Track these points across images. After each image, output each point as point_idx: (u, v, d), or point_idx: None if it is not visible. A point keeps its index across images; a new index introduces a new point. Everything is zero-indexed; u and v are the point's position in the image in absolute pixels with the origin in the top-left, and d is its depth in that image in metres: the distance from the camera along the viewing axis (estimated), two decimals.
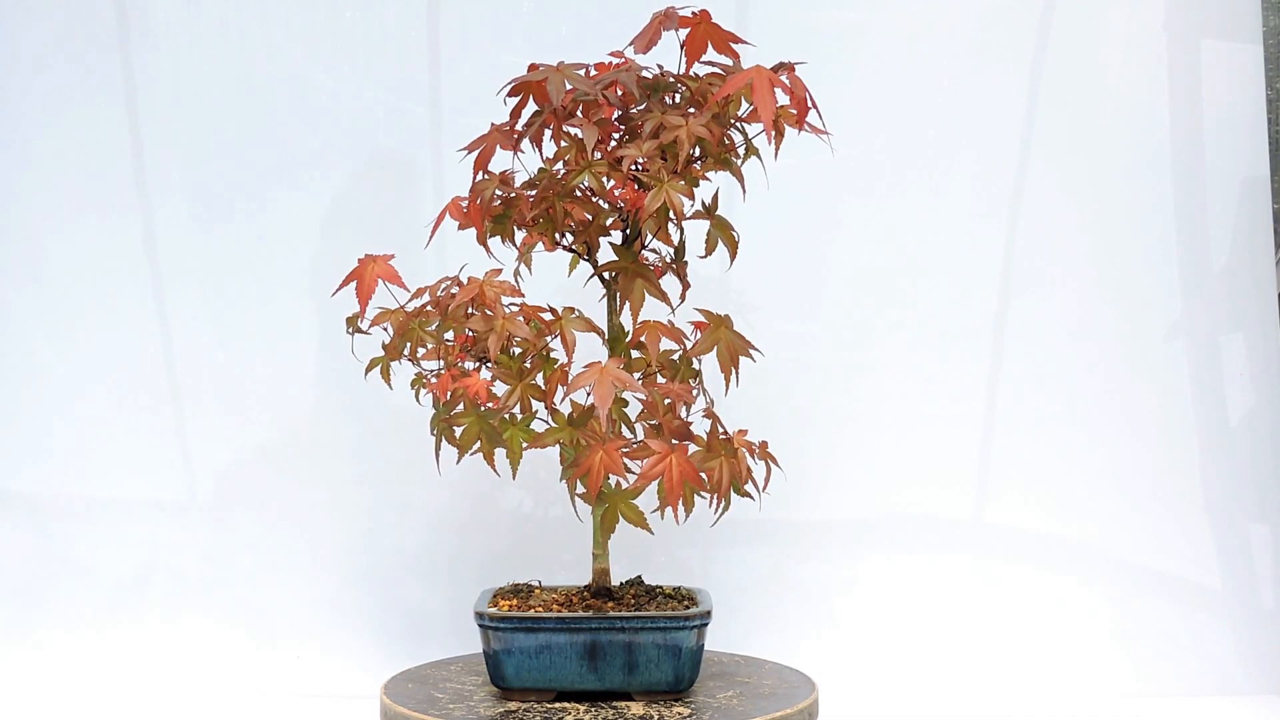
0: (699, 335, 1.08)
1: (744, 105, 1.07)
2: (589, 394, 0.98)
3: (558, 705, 1.04)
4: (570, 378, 1.01)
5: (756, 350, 1.09)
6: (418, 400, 1.10)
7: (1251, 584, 1.49)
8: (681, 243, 1.12)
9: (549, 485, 1.47)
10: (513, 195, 1.08)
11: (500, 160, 1.12)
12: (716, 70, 1.08)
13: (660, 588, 1.14)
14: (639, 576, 1.17)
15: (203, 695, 1.45)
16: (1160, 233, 1.51)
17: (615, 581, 1.15)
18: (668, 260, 1.12)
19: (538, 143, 1.08)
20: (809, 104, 1.04)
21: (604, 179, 1.03)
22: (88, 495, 1.51)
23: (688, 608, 1.06)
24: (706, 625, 1.04)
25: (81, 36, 1.52)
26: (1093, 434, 1.50)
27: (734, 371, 1.08)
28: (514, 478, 1.06)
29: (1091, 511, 1.49)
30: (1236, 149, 1.50)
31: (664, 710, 1.02)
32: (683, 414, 1.06)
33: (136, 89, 1.52)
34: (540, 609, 1.06)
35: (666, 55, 1.09)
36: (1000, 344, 1.51)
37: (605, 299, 1.12)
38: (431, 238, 1.15)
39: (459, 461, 1.06)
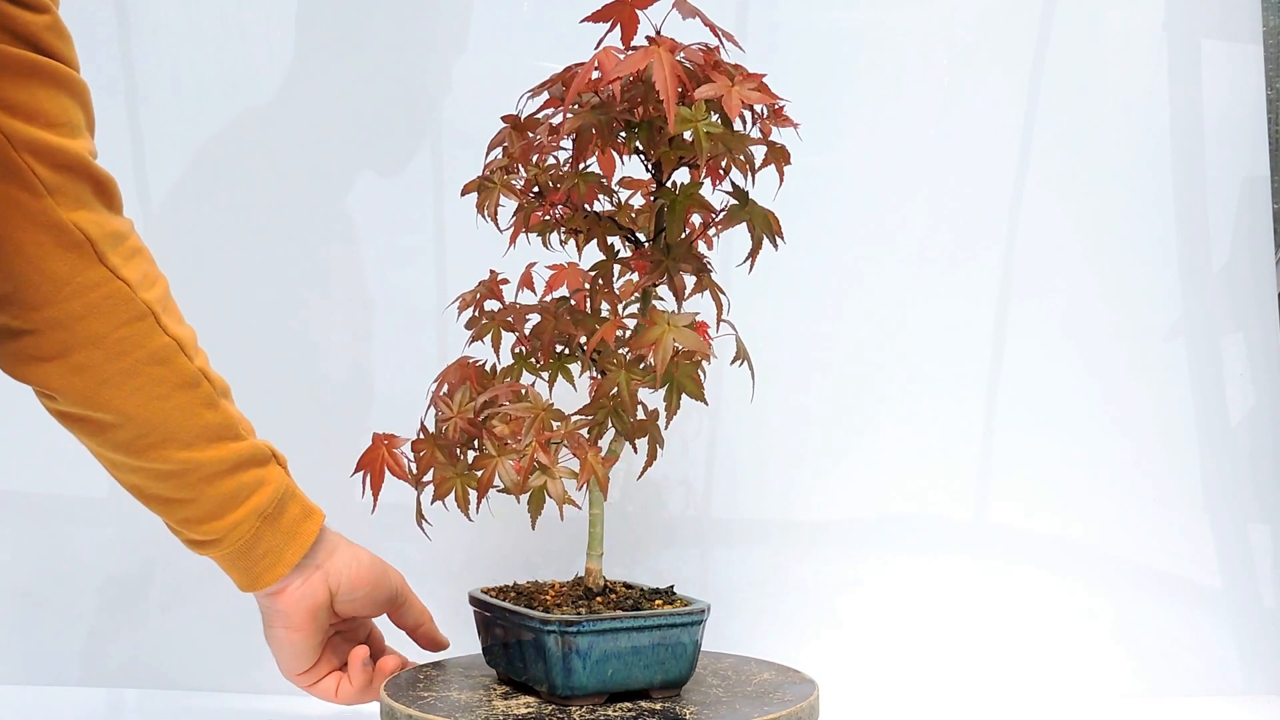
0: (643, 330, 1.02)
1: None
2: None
3: (538, 702, 1.04)
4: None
5: (712, 354, 1.06)
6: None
7: (1251, 584, 1.49)
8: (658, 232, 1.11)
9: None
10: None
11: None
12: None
13: (640, 589, 1.14)
14: (670, 585, 1.16)
15: (202, 695, 1.46)
16: (1160, 233, 1.51)
17: (622, 581, 1.16)
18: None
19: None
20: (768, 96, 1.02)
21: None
22: (88, 495, 1.51)
23: (636, 607, 1.06)
24: (676, 627, 1.04)
25: (81, 36, 1.52)
26: (1093, 434, 1.50)
27: (670, 368, 1.02)
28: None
29: (1091, 511, 1.50)
30: (1236, 149, 1.51)
31: (652, 706, 1.03)
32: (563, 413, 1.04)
33: (137, 89, 1.52)
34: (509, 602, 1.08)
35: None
36: (1000, 343, 1.51)
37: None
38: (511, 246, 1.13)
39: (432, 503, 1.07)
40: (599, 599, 1.09)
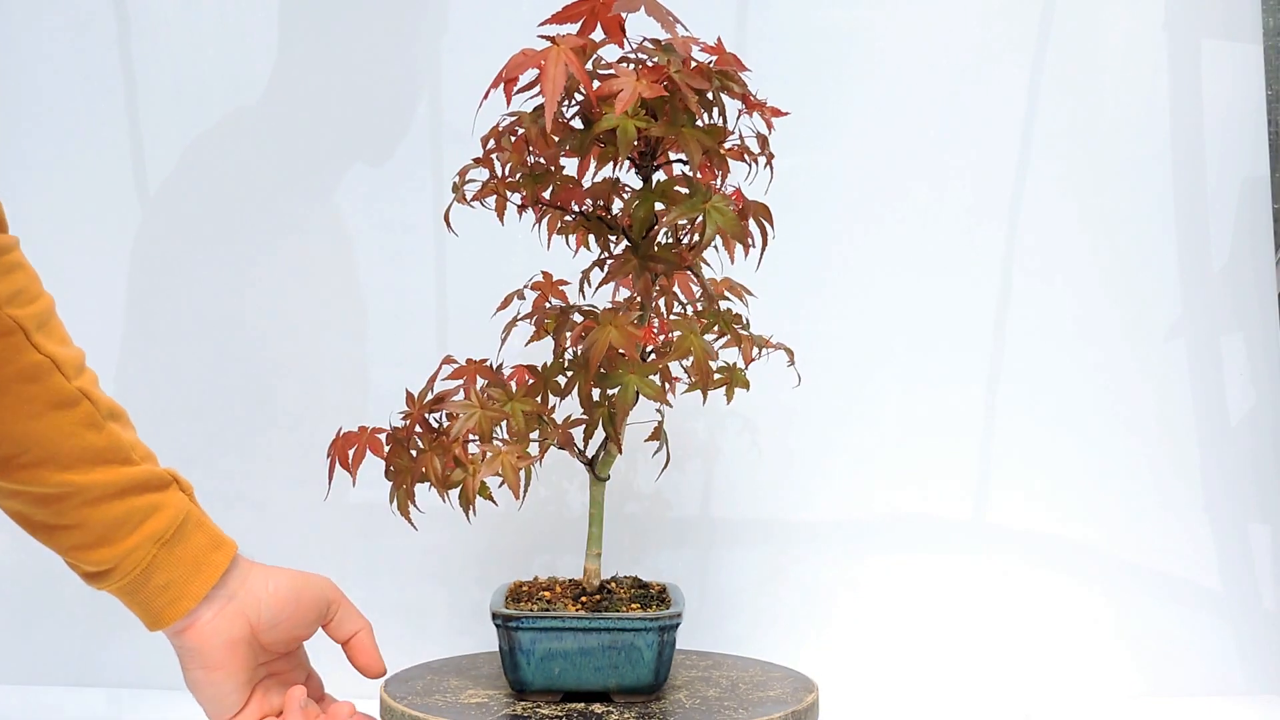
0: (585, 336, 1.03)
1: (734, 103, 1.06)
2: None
3: (502, 694, 1.05)
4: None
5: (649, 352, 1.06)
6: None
7: (1251, 584, 1.49)
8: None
9: (551, 483, 1.47)
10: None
11: None
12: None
13: (650, 588, 1.14)
14: (662, 585, 1.17)
15: None
16: (1160, 233, 1.51)
17: (633, 578, 1.16)
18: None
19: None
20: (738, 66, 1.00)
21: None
22: None
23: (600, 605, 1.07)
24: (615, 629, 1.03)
25: (81, 36, 1.52)
26: (1093, 434, 1.50)
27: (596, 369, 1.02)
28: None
29: (1091, 511, 1.50)
30: (1236, 149, 1.50)
31: (639, 709, 1.03)
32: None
33: (136, 89, 1.52)
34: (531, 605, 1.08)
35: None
36: (1000, 343, 1.51)
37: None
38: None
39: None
40: (597, 596, 1.10)
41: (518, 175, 1.04)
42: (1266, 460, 1.50)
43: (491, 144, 1.05)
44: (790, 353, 1.15)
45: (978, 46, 1.51)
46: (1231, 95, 1.50)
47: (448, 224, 1.07)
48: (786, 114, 1.04)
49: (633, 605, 1.07)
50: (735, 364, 1.10)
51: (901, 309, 1.51)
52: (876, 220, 1.51)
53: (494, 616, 1.04)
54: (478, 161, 1.06)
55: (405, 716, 1.01)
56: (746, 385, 1.10)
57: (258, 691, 1.03)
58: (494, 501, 1.07)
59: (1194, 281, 1.50)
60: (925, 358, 1.50)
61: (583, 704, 1.03)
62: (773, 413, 1.48)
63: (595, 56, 0.99)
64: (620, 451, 1.07)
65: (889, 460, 1.50)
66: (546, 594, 1.11)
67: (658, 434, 1.16)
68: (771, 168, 1.04)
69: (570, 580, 1.15)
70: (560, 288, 1.13)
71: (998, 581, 1.49)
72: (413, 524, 1.07)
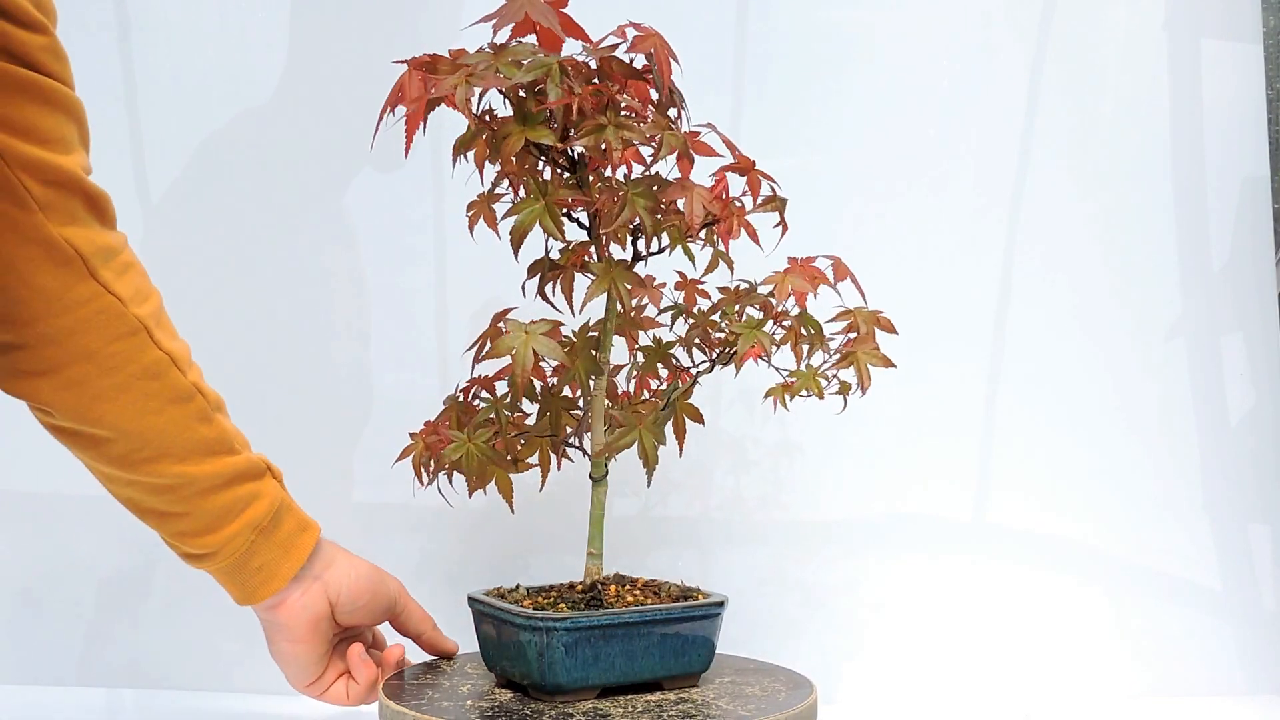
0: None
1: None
2: None
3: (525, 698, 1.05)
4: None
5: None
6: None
7: (1251, 584, 1.49)
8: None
9: (553, 485, 1.47)
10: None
11: None
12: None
13: (648, 588, 1.14)
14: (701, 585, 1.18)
15: (202, 695, 1.46)
16: (1160, 232, 1.51)
17: (625, 579, 1.16)
18: None
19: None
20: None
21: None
22: (88, 495, 1.51)
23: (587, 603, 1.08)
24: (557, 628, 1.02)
25: (82, 36, 1.52)
26: (1093, 434, 1.50)
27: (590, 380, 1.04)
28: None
29: (1092, 511, 1.50)
30: (1237, 149, 1.51)
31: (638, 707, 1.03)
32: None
33: (136, 89, 1.52)
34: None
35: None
36: (1000, 344, 1.51)
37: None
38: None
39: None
40: (589, 594, 1.10)
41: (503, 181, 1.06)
42: (1266, 460, 1.50)
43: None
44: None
45: (978, 46, 1.51)
46: (1231, 95, 1.50)
47: (472, 228, 1.08)
48: (675, 86, 1.03)
49: (560, 606, 1.06)
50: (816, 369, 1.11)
51: (901, 309, 1.50)
52: (876, 221, 1.51)
53: (469, 599, 1.10)
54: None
55: (401, 715, 1.01)
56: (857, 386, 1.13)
57: (334, 656, 1.14)
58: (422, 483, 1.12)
59: (1194, 281, 1.50)
60: (925, 358, 1.50)
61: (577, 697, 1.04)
62: (772, 413, 1.48)
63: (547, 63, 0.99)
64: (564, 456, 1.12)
65: (889, 460, 1.50)
66: (555, 593, 1.12)
67: (643, 452, 1.14)
68: (690, 157, 1.04)
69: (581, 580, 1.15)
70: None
71: (998, 581, 1.49)
72: (511, 507, 1.11)
